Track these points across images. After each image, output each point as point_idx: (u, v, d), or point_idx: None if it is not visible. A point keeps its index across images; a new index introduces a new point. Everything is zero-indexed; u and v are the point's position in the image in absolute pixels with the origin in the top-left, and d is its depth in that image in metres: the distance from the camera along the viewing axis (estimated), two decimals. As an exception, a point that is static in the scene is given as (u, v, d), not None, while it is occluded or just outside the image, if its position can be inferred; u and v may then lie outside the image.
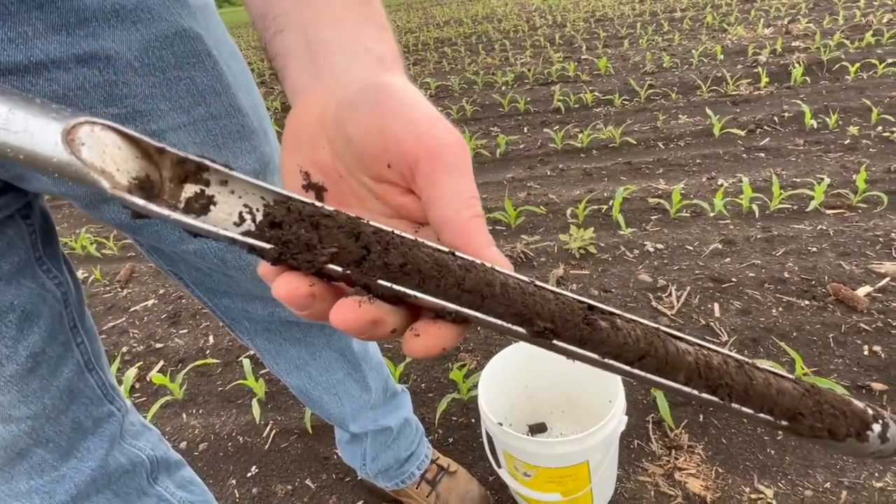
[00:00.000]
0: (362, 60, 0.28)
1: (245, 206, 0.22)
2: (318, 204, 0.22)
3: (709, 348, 0.26)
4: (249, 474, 1.17)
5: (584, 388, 1.00)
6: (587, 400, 0.99)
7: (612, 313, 0.24)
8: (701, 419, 1.11)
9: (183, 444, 1.28)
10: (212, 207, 0.22)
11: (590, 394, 0.98)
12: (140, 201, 0.19)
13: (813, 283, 1.42)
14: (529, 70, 4.08)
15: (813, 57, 3.23)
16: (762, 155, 2.25)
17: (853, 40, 3.41)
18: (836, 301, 1.34)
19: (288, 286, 0.21)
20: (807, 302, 1.36)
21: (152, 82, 0.44)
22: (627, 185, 2.15)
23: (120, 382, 1.47)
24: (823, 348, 1.22)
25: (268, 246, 0.21)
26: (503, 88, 3.91)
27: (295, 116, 0.28)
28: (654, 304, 1.44)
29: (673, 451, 1.05)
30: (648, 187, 2.12)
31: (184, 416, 1.37)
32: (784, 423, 0.25)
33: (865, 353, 1.18)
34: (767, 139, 2.37)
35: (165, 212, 0.20)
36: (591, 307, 0.24)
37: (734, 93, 3.00)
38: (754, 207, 1.80)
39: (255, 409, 1.28)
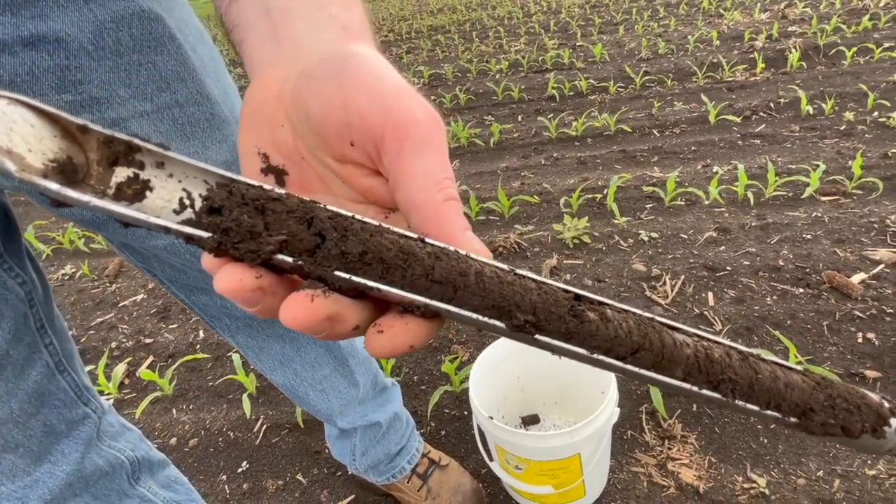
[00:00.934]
0: (326, 29, 0.25)
1: (184, 190, 0.20)
2: (267, 187, 0.20)
3: (709, 339, 0.23)
4: (240, 469, 1.16)
5: (577, 379, 0.98)
6: (580, 391, 0.98)
7: (601, 303, 0.22)
8: (694, 409, 1.10)
9: (173, 440, 1.27)
10: (147, 193, 0.19)
11: (583, 385, 0.97)
12: (53, 186, 0.17)
13: (807, 270, 1.41)
14: (524, 57, 4.02)
15: (809, 42, 3.19)
16: (758, 142, 2.23)
17: (850, 24, 3.37)
18: (831, 288, 1.33)
19: (231, 279, 0.19)
20: (801, 290, 1.35)
21: (109, 67, 0.41)
22: (622, 173, 2.12)
23: (109, 378, 1.45)
24: (817, 336, 1.21)
25: (205, 235, 0.19)
26: (497, 76, 3.86)
27: (252, 92, 0.26)
28: (647, 293, 1.43)
29: (666, 442, 1.05)
30: (643, 175, 2.10)
31: (174, 411, 1.36)
32: (793, 419, 0.23)
33: (859, 340, 1.18)
34: (763, 126, 2.35)
35: (85, 198, 0.17)
36: (578, 297, 0.22)
37: (730, 79, 2.97)
38: (749, 195, 1.78)
39: (246, 404, 1.26)
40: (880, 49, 2.82)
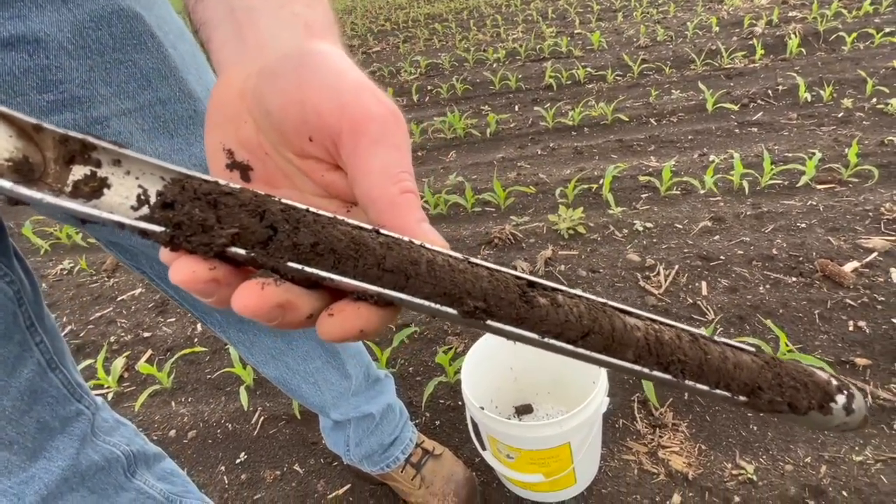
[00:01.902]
0: (289, 26, 0.26)
1: (140, 187, 0.20)
2: (222, 182, 0.20)
3: (661, 322, 0.24)
4: (238, 461, 1.18)
5: (568, 369, 0.99)
6: (572, 381, 0.99)
7: (554, 289, 0.22)
8: (686, 398, 1.11)
9: (172, 433, 1.29)
10: (105, 191, 0.20)
11: (575, 375, 0.98)
12: (6, 184, 0.17)
13: (801, 259, 1.41)
14: (521, 46, 3.99)
15: (809, 27, 3.16)
16: (755, 130, 2.22)
17: (851, 9, 3.33)
18: (823, 277, 1.34)
19: (185, 271, 0.19)
20: (794, 279, 1.35)
21: (89, 66, 0.41)
22: (618, 163, 2.12)
23: (108, 372, 1.47)
24: (808, 325, 1.22)
25: (158, 229, 0.19)
26: (494, 66, 3.82)
27: (217, 90, 0.26)
28: (641, 283, 1.44)
29: (657, 430, 1.06)
30: (639, 165, 2.10)
31: (173, 404, 1.37)
32: (742, 398, 0.24)
33: (850, 328, 1.19)
34: (761, 113, 2.34)
35: (38, 195, 0.18)
36: (531, 283, 0.22)
37: (728, 66, 2.94)
38: (745, 184, 1.78)
39: (244, 397, 1.28)
40: (880, 34, 2.79)
